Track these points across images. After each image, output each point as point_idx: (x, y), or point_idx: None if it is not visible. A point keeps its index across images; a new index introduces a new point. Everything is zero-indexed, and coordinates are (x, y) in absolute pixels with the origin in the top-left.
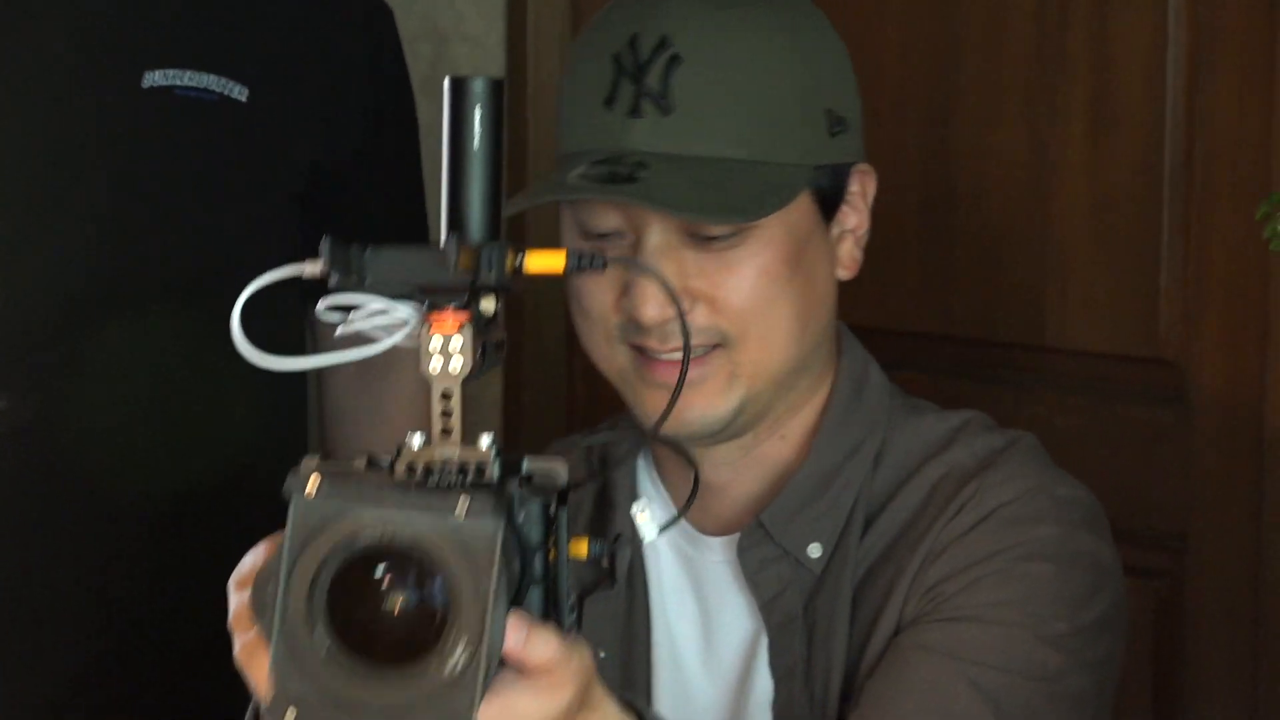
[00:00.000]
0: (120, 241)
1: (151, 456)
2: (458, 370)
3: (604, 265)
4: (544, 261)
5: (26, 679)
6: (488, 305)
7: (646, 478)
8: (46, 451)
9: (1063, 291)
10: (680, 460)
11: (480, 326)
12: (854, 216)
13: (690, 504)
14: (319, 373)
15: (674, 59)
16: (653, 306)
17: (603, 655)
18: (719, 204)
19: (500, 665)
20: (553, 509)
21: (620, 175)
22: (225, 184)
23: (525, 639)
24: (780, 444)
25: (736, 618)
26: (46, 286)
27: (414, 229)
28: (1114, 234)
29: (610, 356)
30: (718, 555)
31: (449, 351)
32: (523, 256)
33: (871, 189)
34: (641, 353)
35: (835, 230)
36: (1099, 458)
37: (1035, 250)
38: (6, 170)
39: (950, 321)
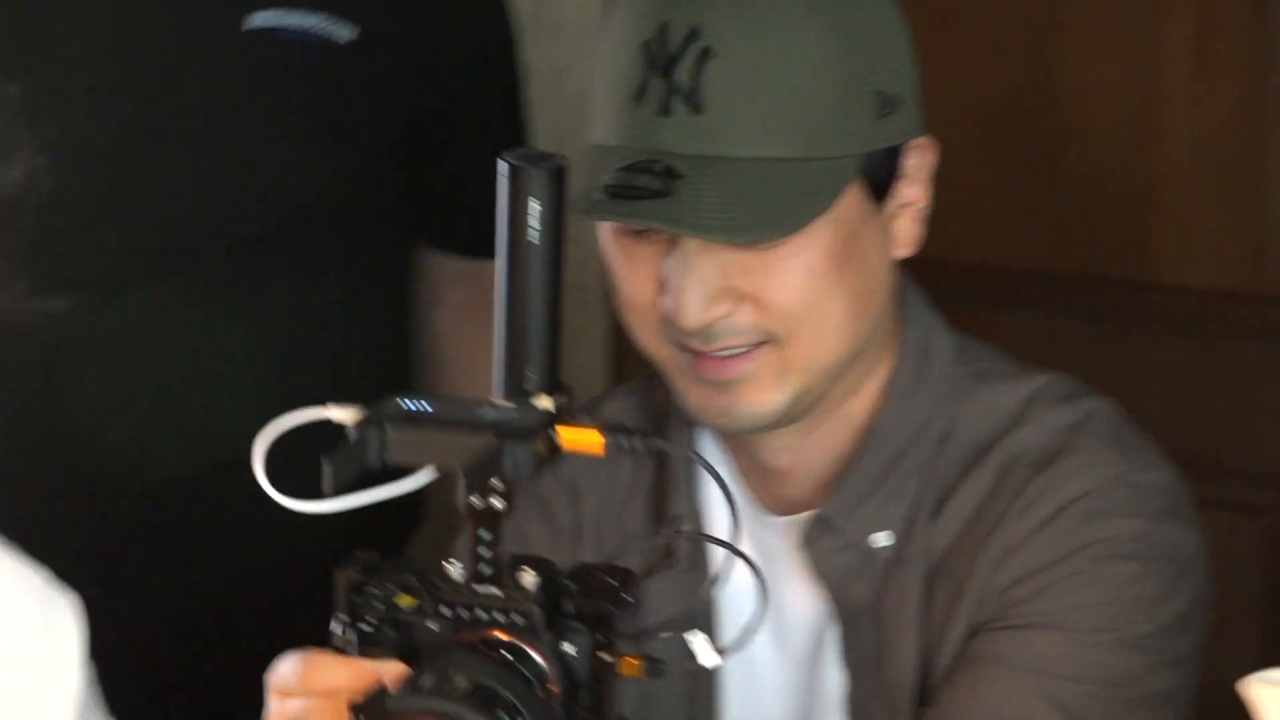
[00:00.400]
0: (218, 187)
1: (245, 404)
2: (499, 508)
3: (643, 447)
4: (579, 441)
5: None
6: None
7: (713, 459)
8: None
9: (1167, 228)
10: (745, 437)
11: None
12: (911, 190)
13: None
14: (424, 307)
15: (705, 52)
16: (692, 312)
17: (665, 635)
18: (752, 221)
19: None
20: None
21: (647, 191)
22: (326, 128)
23: None
24: (841, 424)
25: (805, 602)
26: (143, 231)
27: None
28: (1219, 170)
29: (656, 346)
30: (784, 538)
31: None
32: (555, 439)
33: (931, 159)
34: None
35: (891, 207)
36: (1204, 395)
37: (1139, 187)
38: (106, 116)
39: (1054, 258)
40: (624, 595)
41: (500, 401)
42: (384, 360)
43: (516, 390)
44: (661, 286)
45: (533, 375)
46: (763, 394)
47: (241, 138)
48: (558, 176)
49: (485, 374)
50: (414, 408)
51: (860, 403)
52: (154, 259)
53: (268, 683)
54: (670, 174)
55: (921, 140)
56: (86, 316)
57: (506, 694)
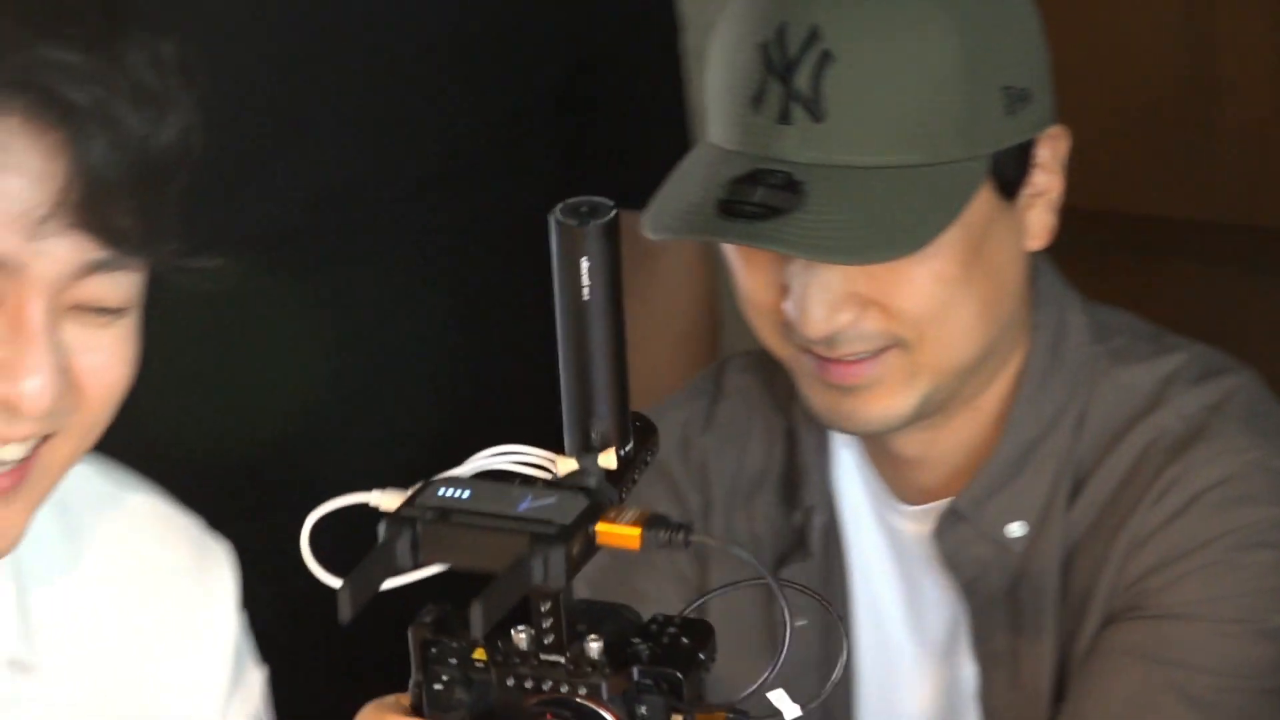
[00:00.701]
0: (377, 135)
1: (409, 352)
2: (556, 588)
3: (686, 544)
4: (617, 535)
5: None
6: None
7: (844, 447)
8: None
9: None
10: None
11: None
12: (1044, 180)
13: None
14: None
15: (825, 56)
16: (816, 321)
17: (803, 623)
18: (874, 239)
19: None
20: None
21: (762, 209)
22: (486, 72)
23: None
24: (974, 417)
25: (943, 592)
26: (302, 183)
27: (671, 134)
28: None
29: (779, 346)
30: (918, 526)
31: None
32: (593, 538)
33: (1064, 148)
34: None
35: (1023, 199)
36: None
37: None
38: (260, 68)
39: (1212, 208)
40: (699, 654)
41: (564, 463)
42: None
43: (583, 447)
44: (784, 291)
45: (598, 431)
46: (890, 398)
47: (400, 82)
48: (608, 230)
49: (644, 311)
50: (452, 495)
51: (994, 393)
52: (312, 211)
53: None
54: (790, 185)
55: (1054, 130)
56: (244, 273)
57: None
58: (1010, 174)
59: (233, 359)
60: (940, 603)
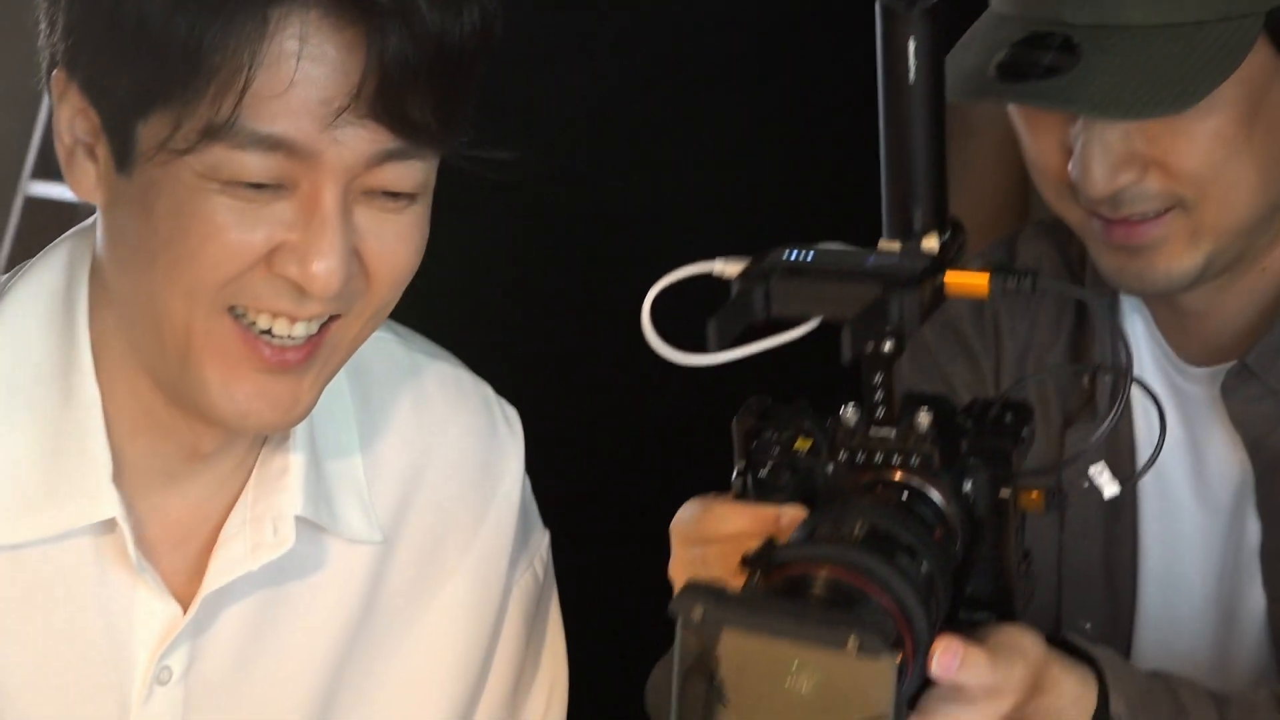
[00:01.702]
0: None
1: None
2: (888, 350)
3: (1032, 288)
4: (965, 285)
5: None
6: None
7: (1133, 311)
8: None
9: None
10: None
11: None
12: None
13: None
14: None
15: None
16: (1098, 181)
17: (1086, 485)
18: (1150, 96)
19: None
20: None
21: (1040, 68)
22: None
23: (958, 666)
24: (1262, 276)
25: (1228, 452)
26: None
27: None
28: None
29: (1067, 209)
30: (1205, 388)
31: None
32: (940, 284)
33: None
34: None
35: None
36: None
37: None
38: None
39: None
40: (1021, 431)
41: (886, 245)
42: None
43: (904, 230)
44: (1069, 154)
45: (920, 215)
46: (1175, 258)
47: None
48: (932, 15)
49: (968, 184)
50: (798, 257)
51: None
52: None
53: (672, 529)
54: (1067, 46)
55: None
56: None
57: (905, 536)
58: None
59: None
60: (1227, 461)
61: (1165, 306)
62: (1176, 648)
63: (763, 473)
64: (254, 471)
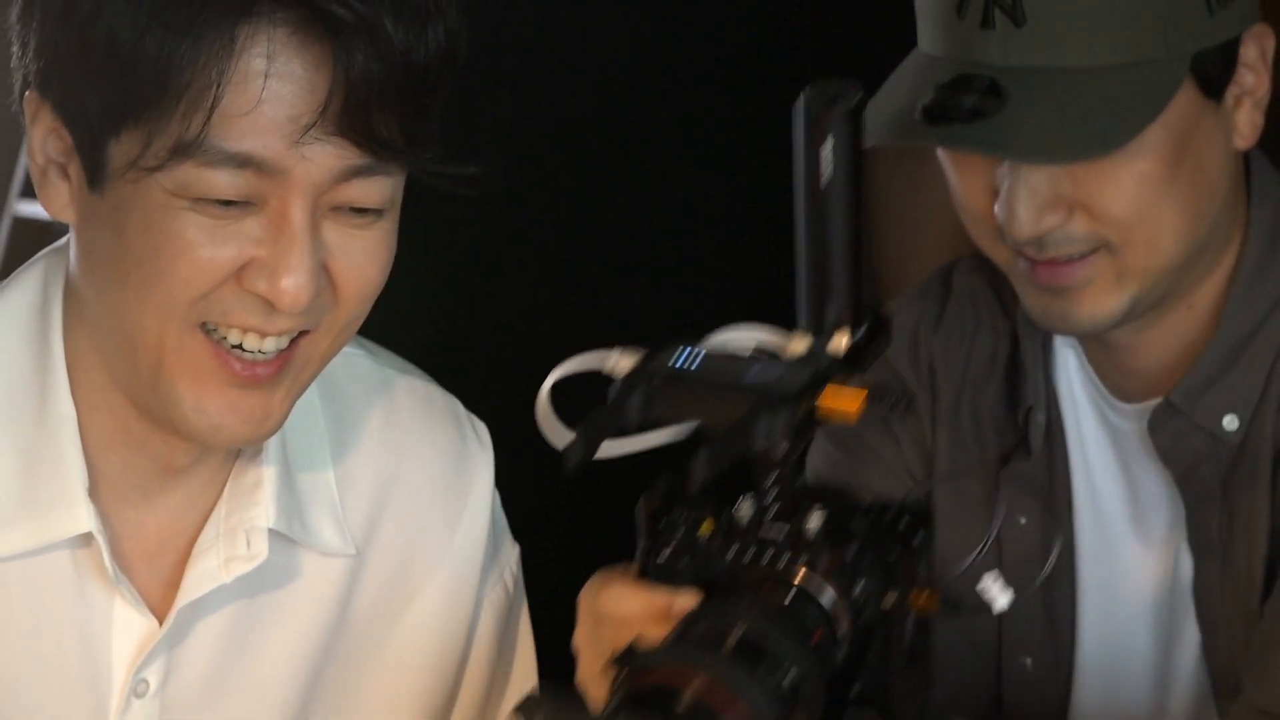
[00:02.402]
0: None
1: None
2: (780, 453)
3: (906, 409)
4: (837, 408)
5: None
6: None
7: (1065, 347)
8: None
9: None
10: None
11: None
12: (1251, 78)
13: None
14: None
15: None
16: (1023, 223)
17: (1023, 521)
18: (1076, 139)
19: None
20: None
21: (966, 111)
22: None
23: None
24: (1188, 312)
25: (1161, 486)
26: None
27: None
28: None
29: (994, 249)
30: (1135, 423)
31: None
32: (815, 407)
33: (1271, 46)
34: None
35: (1230, 98)
36: None
37: None
38: None
39: None
40: (917, 536)
41: (799, 340)
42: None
43: (817, 325)
44: (995, 195)
45: (832, 312)
46: (1100, 299)
47: None
48: (853, 115)
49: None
50: (684, 363)
51: (1207, 289)
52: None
53: (579, 599)
54: (993, 89)
55: (1259, 27)
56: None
57: (777, 644)
58: (1213, 73)
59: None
60: (1160, 496)
61: (1095, 342)
62: (1119, 683)
63: (664, 555)
64: (227, 485)
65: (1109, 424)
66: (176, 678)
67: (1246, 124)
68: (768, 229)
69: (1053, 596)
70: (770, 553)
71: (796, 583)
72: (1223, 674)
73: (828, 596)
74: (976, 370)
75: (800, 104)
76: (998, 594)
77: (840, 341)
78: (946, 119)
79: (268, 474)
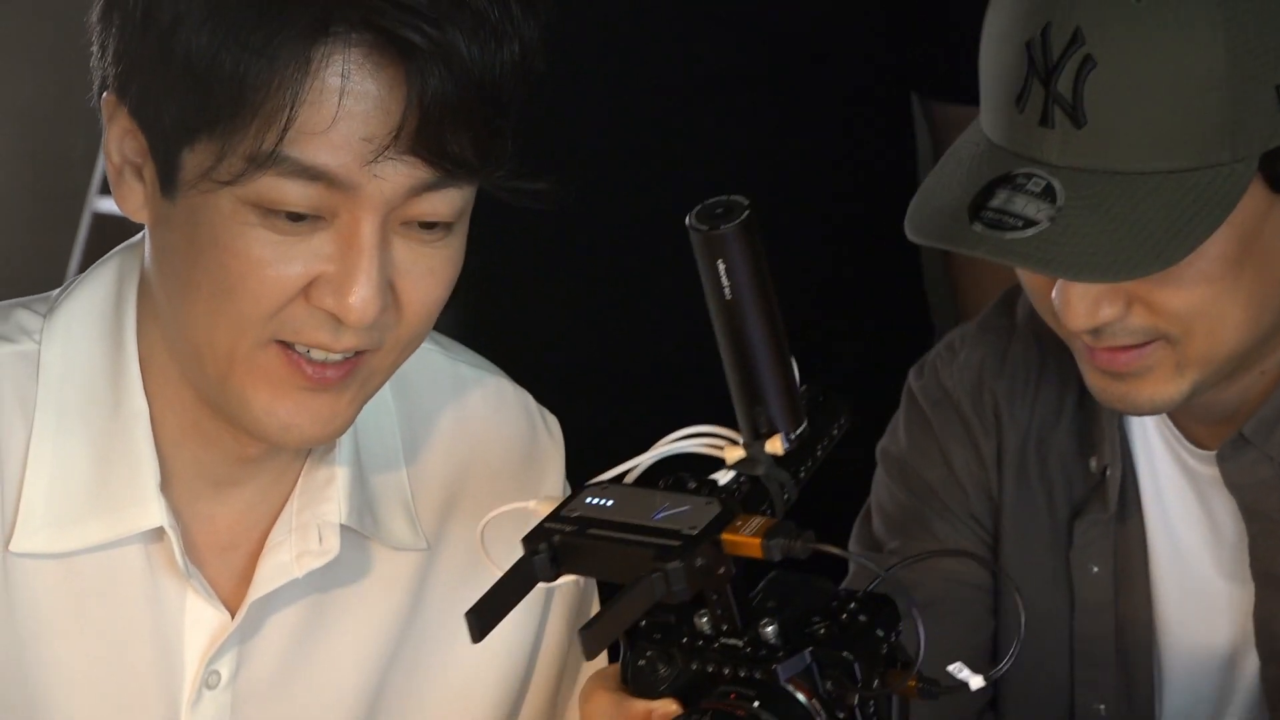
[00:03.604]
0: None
1: None
2: (721, 573)
3: (805, 553)
4: (740, 545)
5: None
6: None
7: None
8: None
9: None
10: None
11: None
12: None
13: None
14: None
15: (1087, 60)
16: (1078, 317)
17: (1096, 570)
18: (1129, 256)
19: None
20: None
21: (1020, 220)
22: None
23: None
24: (1261, 377)
25: (1236, 520)
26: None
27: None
28: None
29: (1054, 325)
30: (1211, 467)
31: None
32: (720, 546)
33: None
34: None
35: None
36: None
37: None
38: None
39: None
40: (878, 630)
41: (738, 450)
42: None
43: (753, 434)
44: (1052, 281)
45: (765, 415)
46: (1160, 386)
47: None
48: (742, 231)
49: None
50: (596, 504)
51: (1278, 360)
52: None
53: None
54: (1048, 193)
55: None
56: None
57: None
58: None
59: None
60: (1237, 530)
61: (1186, 402)
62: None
63: (641, 662)
64: (299, 480)
65: (1186, 468)
66: (248, 670)
67: None
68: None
69: (1126, 639)
70: (729, 667)
71: (757, 692)
72: None
73: (799, 699)
74: (1043, 415)
75: (689, 225)
76: (969, 676)
77: (776, 444)
78: (998, 225)
79: (340, 470)
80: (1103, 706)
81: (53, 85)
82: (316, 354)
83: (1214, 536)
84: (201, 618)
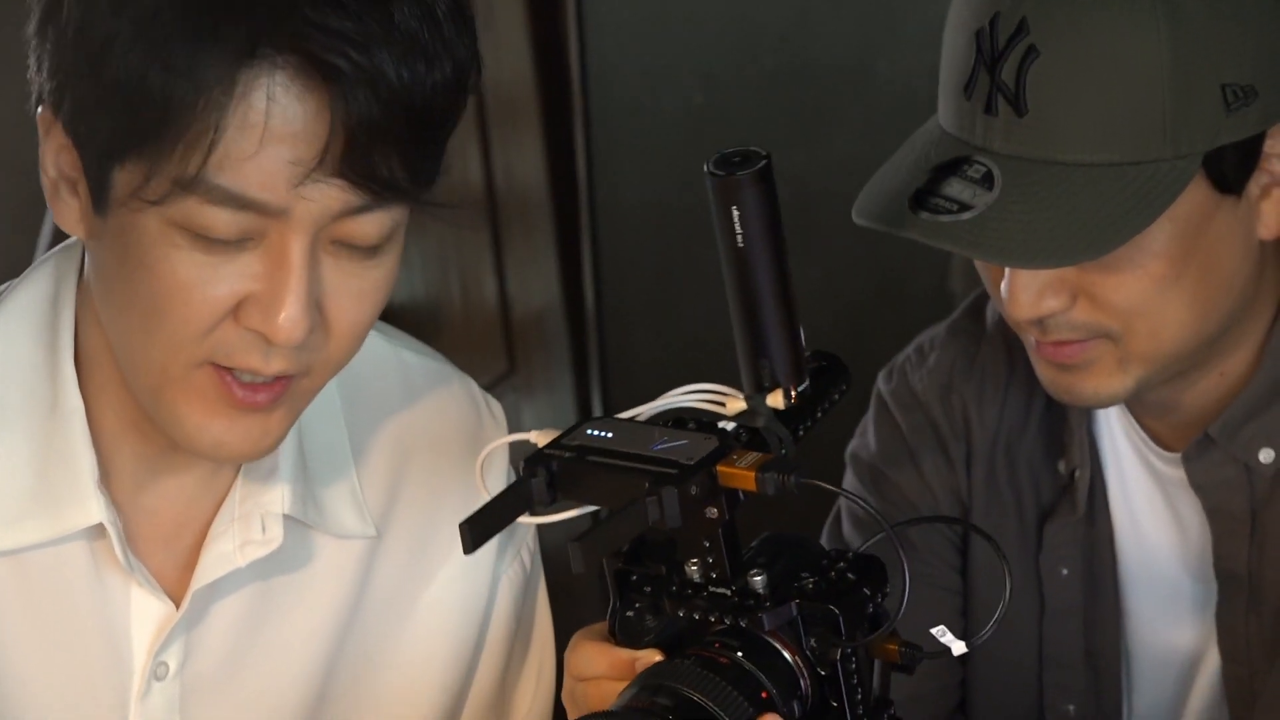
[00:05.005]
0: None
1: None
2: (713, 518)
3: (797, 487)
4: (736, 477)
5: None
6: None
7: None
8: None
9: None
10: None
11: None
12: (1278, 169)
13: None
14: None
15: (1030, 50)
16: (1023, 306)
17: (1065, 573)
18: (1062, 244)
19: None
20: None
21: (954, 204)
22: None
23: None
24: (1220, 380)
25: (1202, 521)
26: None
27: None
28: None
29: (1006, 317)
30: (1178, 469)
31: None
32: (715, 478)
33: None
34: None
35: (1255, 188)
36: None
37: None
38: None
39: None
40: (864, 589)
41: (740, 400)
42: None
43: (755, 387)
44: (1001, 273)
45: (769, 369)
46: (1103, 380)
47: None
48: (759, 178)
49: None
50: (595, 435)
51: (1240, 356)
52: None
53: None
54: (987, 179)
55: None
56: None
57: (719, 707)
58: (1230, 169)
59: None
60: (1203, 531)
61: (1133, 397)
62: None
63: (630, 613)
64: (241, 470)
65: (1153, 470)
66: (195, 660)
67: (1272, 215)
68: None
69: (1094, 641)
70: (716, 614)
71: (743, 642)
72: (1241, 700)
73: (782, 654)
74: (1012, 419)
75: (706, 172)
76: (951, 641)
77: (777, 398)
78: (934, 209)
79: (282, 460)
80: (1072, 707)
81: (13, 90)
82: (245, 376)
83: (1180, 537)
84: (146, 610)
